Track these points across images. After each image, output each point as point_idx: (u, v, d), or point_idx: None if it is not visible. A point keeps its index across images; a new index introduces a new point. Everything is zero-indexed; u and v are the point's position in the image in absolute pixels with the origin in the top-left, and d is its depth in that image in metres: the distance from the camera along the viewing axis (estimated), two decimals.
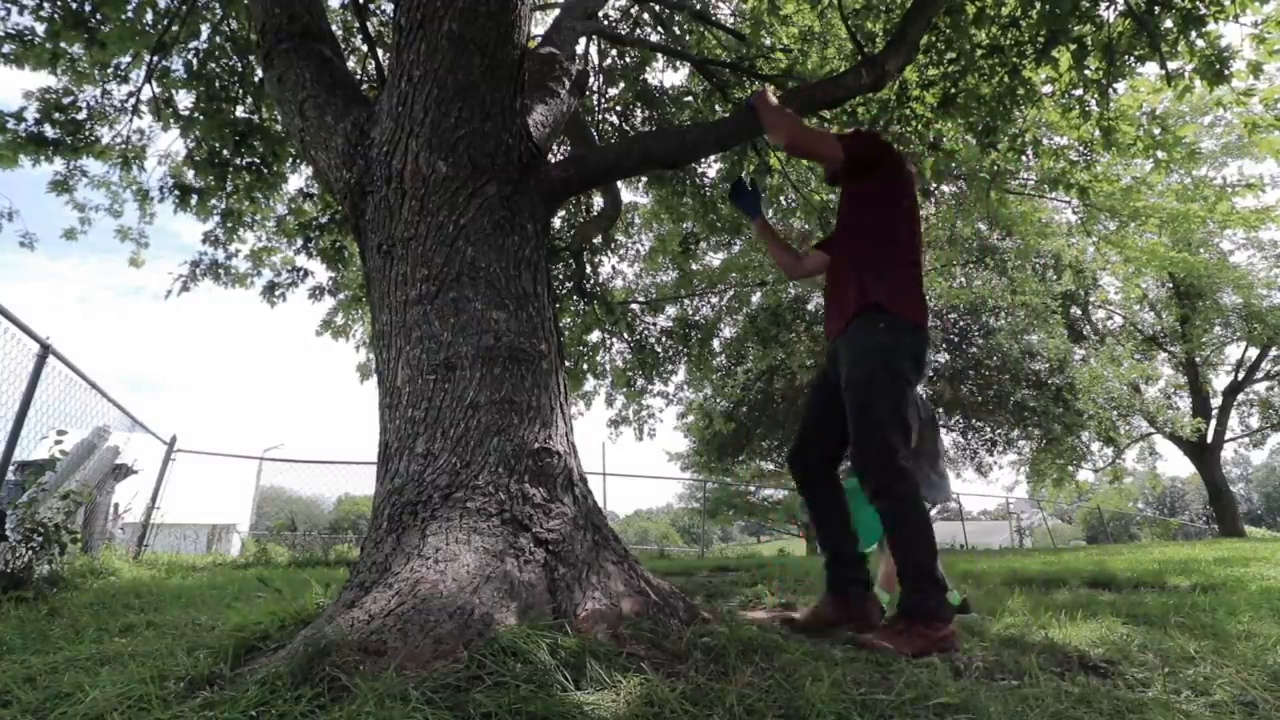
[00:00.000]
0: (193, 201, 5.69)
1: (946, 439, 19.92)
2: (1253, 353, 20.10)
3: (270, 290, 6.93)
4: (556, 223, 7.57)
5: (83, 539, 4.70)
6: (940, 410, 18.13)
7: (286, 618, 2.07)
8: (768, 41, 5.72)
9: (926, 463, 3.04)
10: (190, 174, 5.78)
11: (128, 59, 5.18)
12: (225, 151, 5.45)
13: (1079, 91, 4.47)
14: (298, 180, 6.60)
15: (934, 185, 5.86)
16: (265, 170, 5.61)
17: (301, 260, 6.93)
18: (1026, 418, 15.52)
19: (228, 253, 6.59)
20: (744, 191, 2.88)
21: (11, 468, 4.15)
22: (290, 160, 5.77)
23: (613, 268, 8.87)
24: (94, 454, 5.61)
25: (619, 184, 6.76)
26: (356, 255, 6.62)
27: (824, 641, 2.17)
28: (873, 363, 2.22)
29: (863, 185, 2.50)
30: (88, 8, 4.55)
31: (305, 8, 2.97)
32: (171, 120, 5.36)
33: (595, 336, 9.18)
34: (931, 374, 17.89)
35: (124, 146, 5.72)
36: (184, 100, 5.44)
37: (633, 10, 6.49)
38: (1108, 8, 3.90)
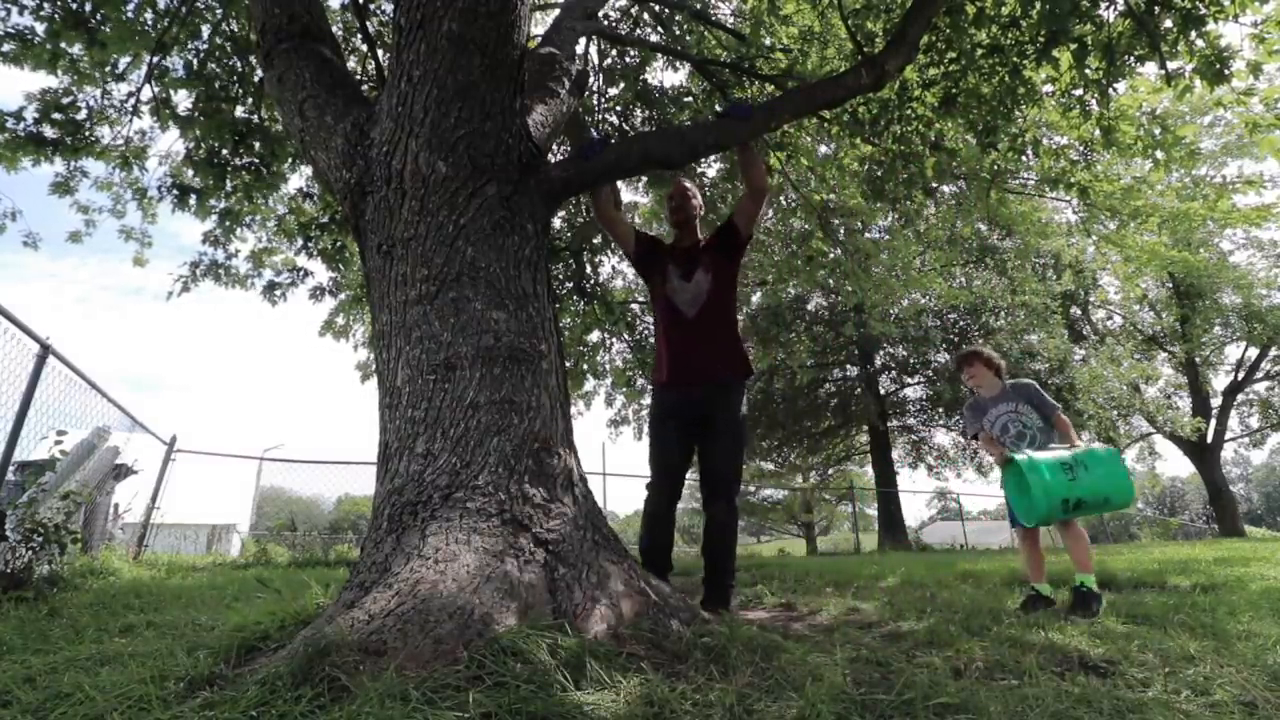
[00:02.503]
0: (191, 201, 5.69)
1: (946, 439, 19.94)
2: (1253, 353, 20.11)
3: (270, 290, 6.92)
4: (556, 223, 7.56)
5: (83, 539, 4.70)
6: (940, 410, 18.15)
7: (286, 618, 2.07)
8: (768, 41, 5.71)
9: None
10: (190, 174, 5.78)
11: (128, 59, 5.18)
12: (225, 151, 5.45)
13: (1079, 91, 4.47)
14: (298, 180, 6.60)
15: (935, 185, 5.84)
16: (265, 170, 5.61)
17: (301, 260, 6.93)
18: None
19: (228, 253, 6.59)
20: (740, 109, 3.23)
21: (11, 468, 4.15)
22: (290, 160, 5.77)
23: (613, 268, 8.87)
24: (94, 454, 5.61)
25: (619, 184, 6.76)
26: (356, 255, 6.62)
27: (824, 641, 2.17)
28: (745, 415, 3.10)
29: (735, 263, 3.17)
30: (88, 7, 4.54)
31: (305, 8, 2.97)
32: (171, 120, 5.36)
33: (595, 336, 9.17)
34: (931, 374, 17.92)
35: (124, 147, 5.72)
36: (184, 100, 5.45)
37: (633, 10, 6.49)
38: (1108, 7, 3.90)
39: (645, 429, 12.19)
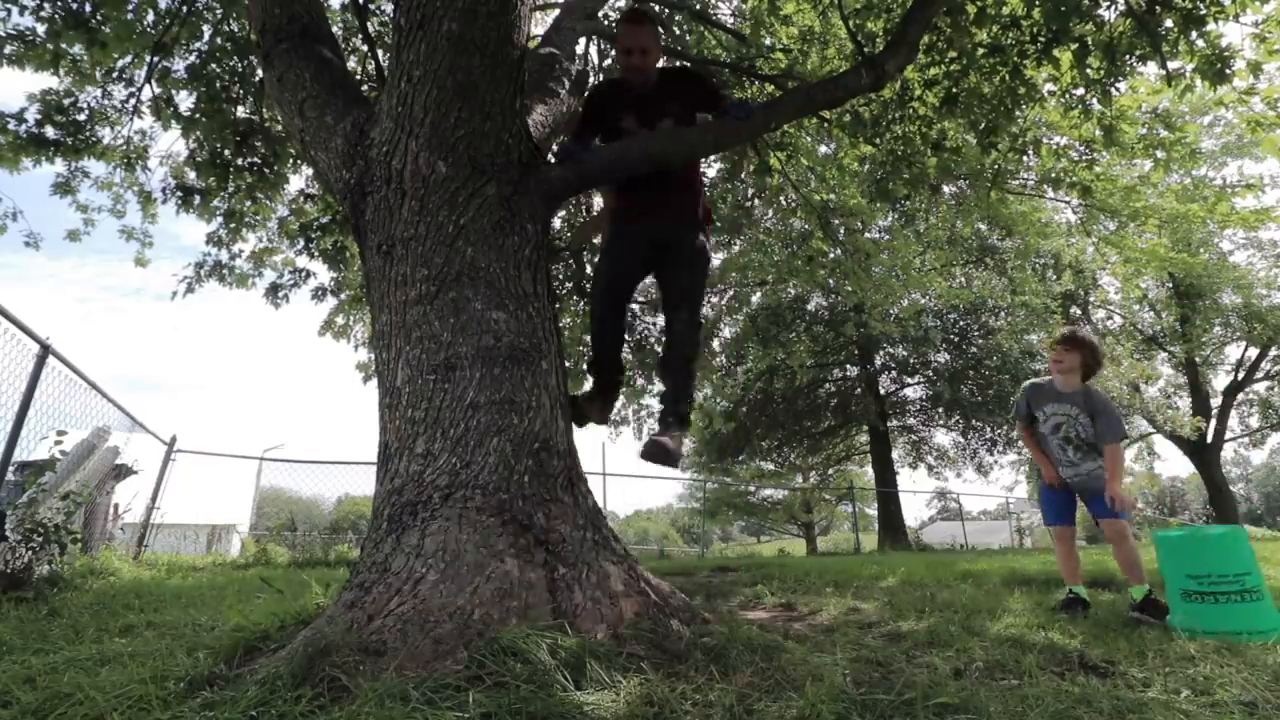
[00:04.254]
0: (195, 202, 5.70)
1: (946, 439, 19.95)
2: (1252, 353, 20.12)
3: (274, 291, 6.93)
4: (556, 223, 7.56)
5: (83, 539, 4.70)
6: (940, 410, 18.16)
7: (286, 618, 2.07)
8: (768, 41, 5.71)
9: None
10: (192, 175, 5.79)
11: (128, 59, 5.18)
12: (227, 152, 5.45)
13: (1080, 91, 4.47)
14: (299, 181, 6.60)
15: (938, 184, 5.83)
16: (267, 171, 5.61)
17: (303, 261, 6.94)
18: None
19: (231, 253, 6.61)
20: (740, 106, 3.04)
21: (11, 468, 4.15)
22: (291, 160, 5.77)
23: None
24: (94, 454, 5.60)
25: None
26: (357, 255, 6.62)
27: (824, 641, 2.17)
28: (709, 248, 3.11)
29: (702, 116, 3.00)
30: (88, 8, 4.55)
31: (305, 8, 2.97)
32: (172, 120, 5.37)
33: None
34: (931, 374, 17.92)
35: (125, 148, 5.72)
36: (185, 101, 5.45)
37: None
38: (1108, 7, 3.90)
39: (645, 429, 12.23)
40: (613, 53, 6.38)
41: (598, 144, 3.03)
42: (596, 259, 3.20)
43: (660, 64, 2.98)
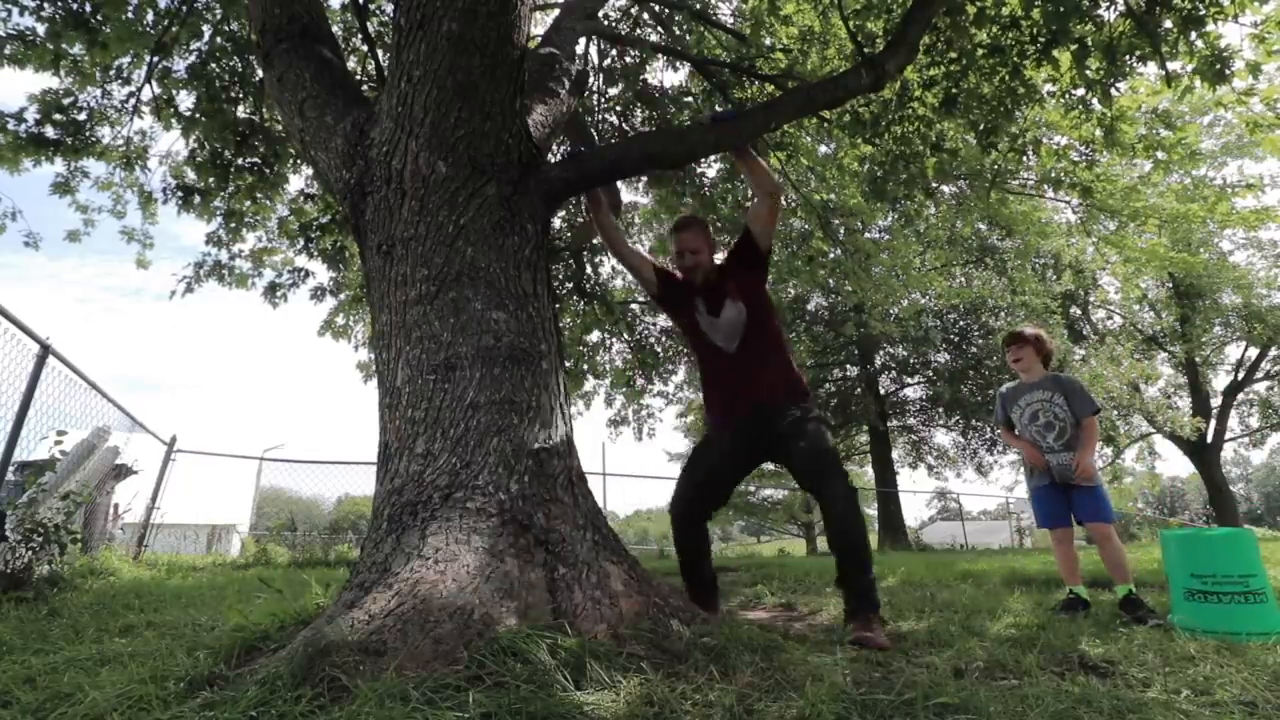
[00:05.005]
0: (195, 202, 5.70)
1: (946, 439, 19.94)
2: (1252, 353, 20.11)
3: (272, 291, 6.93)
4: (556, 223, 7.56)
5: (83, 539, 4.70)
6: (940, 410, 18.15)
7: (286, 618, 2.07)
8: (768, 41, 5.71)
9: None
10: (192, 175, 5.79)
11: (128, 59, 5.18)
12: (227, 152, 5.45)
13: (1080, 91, 4.47)
14: (298, 181, 6.60)
15: (935, 185, 5.84)
16: (267, 170, 5.61)
17: (302, 261, 6.94)
18: None
19: (231, 253, 6.61)
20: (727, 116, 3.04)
21: (11, 468, 4.15)
22: (291, 160, 5.77)
23: (613, 268, 8.85)
24: (94, 454, 5.60)
25: (619, 184, 6.75)
26: (356, 255, 6.62)
27: (824, 641, 2.17)
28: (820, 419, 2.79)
29: (762, 280, 2.93)
30: (88, 8, 4.55)
31: (305, 8, 2.97)
32: (173, 120, 5.37)
33: (595, 336, 9.17)
34: (931, 374, 17.92)
35: (125, 147, 5.72)
36: (185, 101, 5.45)
37: (633, 10, 6.49)
38: (1108, 8, 3.90)
39: (645, 429, 12.20)
40: (613, 53, 6.39)
41: (599, 144, 3.06)
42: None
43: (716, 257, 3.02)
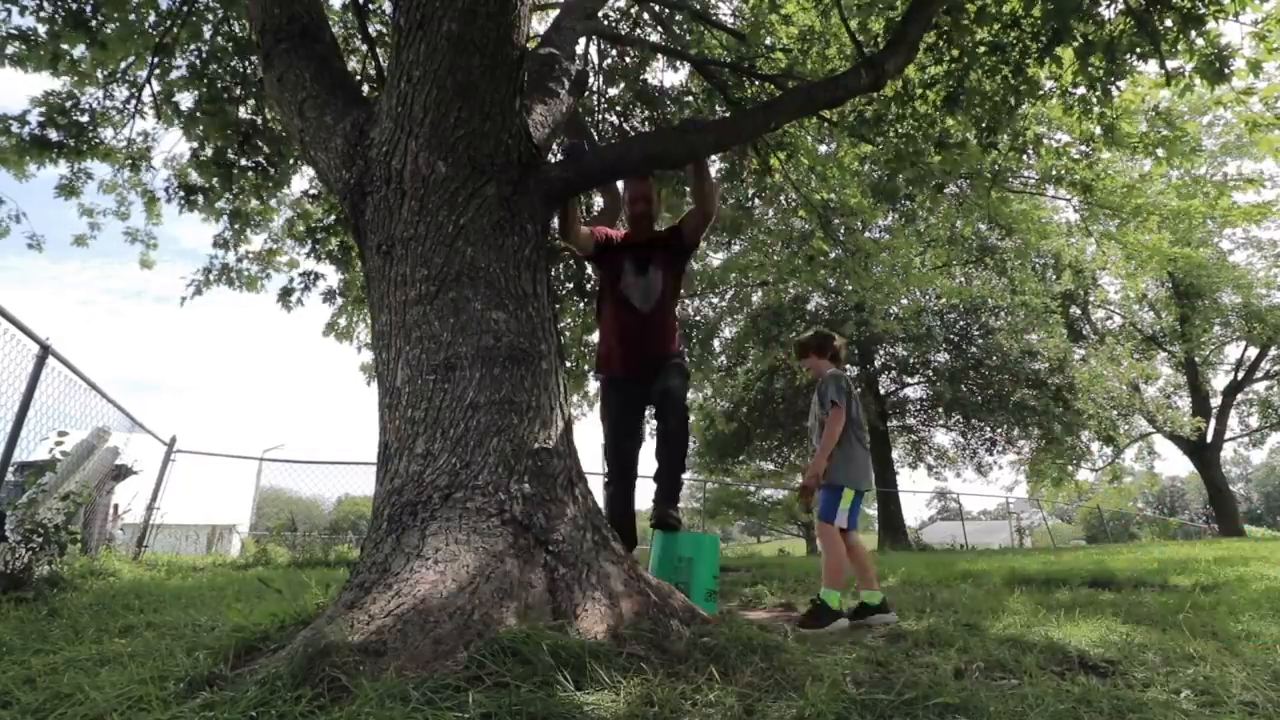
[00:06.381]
0: (199, 202, 5.70)
1: (946, 439, 19.93)
2: (1252, 352, 20.09)
3: (285, 296, 6.93)
4: (556, 223, 7.55)
5: (82, 540, 4.70)
6: (940, 410, 18.14)
7: (286, 618, 2.07)
8: (768, 41, 5.71)
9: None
10: (195, 175, 5.79)
11: (130, 60, 5.18)
12: (230, 153, 5.46)
13: (1081, 90, 4.47)
14: (301, 183, 6.62)
15: (942, 182, 5.82)
16: (271, 170, 5.62)
17: (310, 263, 6.96)
18: (1026, 417, 15.50)
19: (238, 255, 6.63)
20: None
21: (11, 468, 4.15)
22: (294, 161, 5.78)
23: None
24: (93, 455, 5.60)
25: (619, 184, 6.74)
26: (358, 256, 6.61)
27: (824, 641, 2.17)
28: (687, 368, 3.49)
29: (682, 268, 3.44)
30: (89, 9, 4.55)
31: (305, 8, 2.97)
32: (175, 119, 5.37)
33: (595, 337, 9.17)
34: (931, 374, 17.91)
35: (128, 148, 5.73)
36: (187, 101, 5.46)
37: (633, 10, 6.49)
38: (1108, 6, 3.90)
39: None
40: (613, 53, 6.39)
41: (599, 144, 3.08)
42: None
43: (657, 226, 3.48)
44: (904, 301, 12.02)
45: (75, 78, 5.10)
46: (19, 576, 3.47)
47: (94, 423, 5.65)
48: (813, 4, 5.50)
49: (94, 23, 4.56)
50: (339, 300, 7.55)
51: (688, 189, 6.08)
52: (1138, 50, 3.90)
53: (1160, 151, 4.80)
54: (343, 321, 8.41)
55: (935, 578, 4.65)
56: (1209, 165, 14.46)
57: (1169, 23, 3.78)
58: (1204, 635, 2.27)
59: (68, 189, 5.66)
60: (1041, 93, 4.54)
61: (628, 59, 6.42)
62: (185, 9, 4.85)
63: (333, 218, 6.56)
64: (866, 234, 9.44)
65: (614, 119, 6.64)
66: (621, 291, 3.29)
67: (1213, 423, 19.30)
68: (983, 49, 4.31)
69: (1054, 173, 5.64)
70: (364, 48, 5.80)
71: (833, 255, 8.61)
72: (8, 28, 4.59)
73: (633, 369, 3.26)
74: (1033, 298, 13.65)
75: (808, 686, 1.50)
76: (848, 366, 19.06)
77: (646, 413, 3.49)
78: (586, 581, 1.96)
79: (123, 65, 5.22)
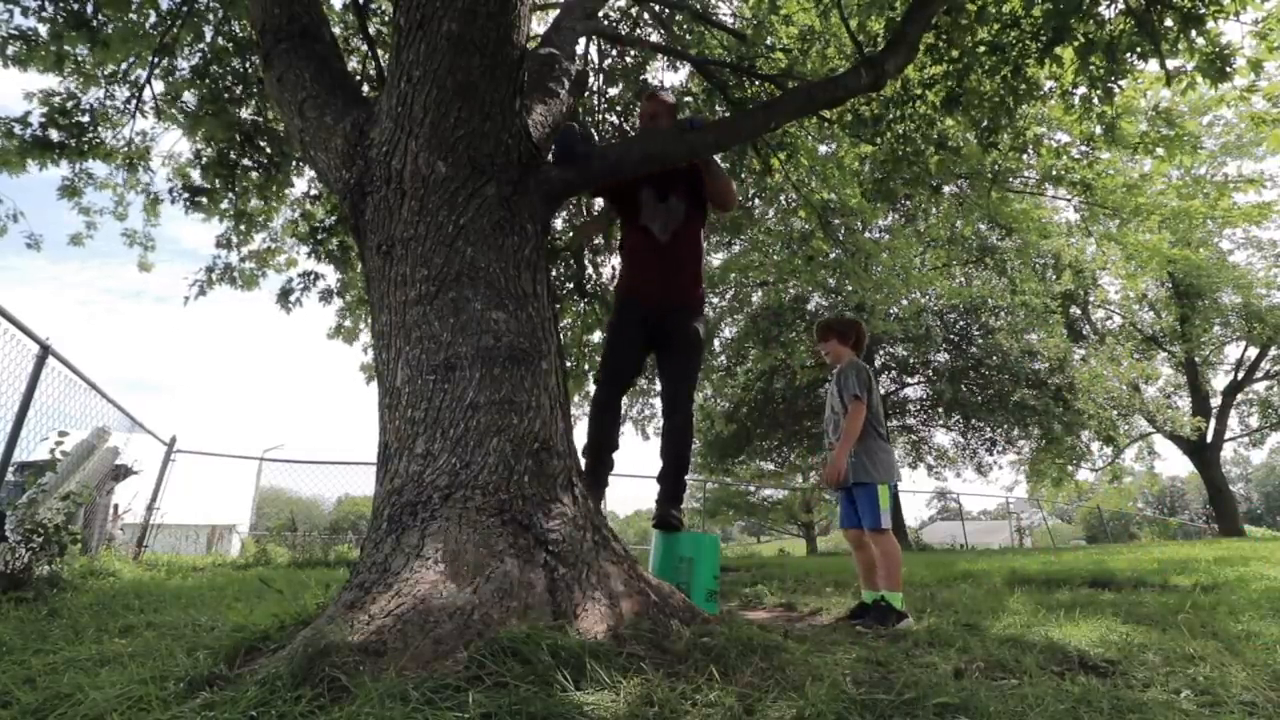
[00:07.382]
0: (202, 203, 5.70)
1: (946, 439, 19.92)
2: (1252, 352, 20.09)
3: (285, 296, 6.92)
4: (557, 223, 7.55)
5: (82, 540, 4.70)
6: (940, 410, 18.13)
7: (286, 618, 2.07)
8: (768, 41, 5.71)
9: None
10: (197, 176, 5.79)
11: (131, 60, 5.18)
12: (232, 153, 5.46)
13: (1081, 90, 4.47)
14: (303, 183, 6.62)
15: (939, 183, 5.82)
16: (273, 170, 5.62)
17: (309, 263, 6.95)
18: (1026, 417, 15.50)
19: (241, 255, 6.62)
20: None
21: (11, 468, 4.15)
22: (295, 161, 5.78)
23: (613, 268, 8.84)
24: (94, 455, 5.60)
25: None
26: (358, 256, 6.61)
27: (824, 641, 2.17)
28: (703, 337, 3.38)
29: (704, 211, 3.36)
30: (90, 9, 4.55)
31: (305, 8, 2.96)
32: (176, 119, 5.38)
33: (595, 336, 9.17)
34: (931, 374, 17.91)
35: (128, 148, 5.73)
36: (188, 101, 5.45)
37: (633, 10, 6.49)
38: (1108, 6, 3.90)
39: (647, 429, 12.22)
40: (613, 52, 6.38)
41: (599, 144, 3.07)
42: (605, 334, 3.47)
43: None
44: (904, 302, 12.00)
45: (79, 79, 5.11)
46: (19, 576, 3.48)
47: (94, 423, 5.65)
48: (813, 4, 5.50)
49: (95, 23, 4.56)
50: (337, 301, 7.54)
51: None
52: (1138, 50, 3.89)
53: (1160, 151, 4.79)
54: (348, 323, 8.41)
55: (935, 578, 4.65)
56: (1209, 166, 14.46)
57: (1169, 22, 3.78)
58: (1204, 635, 2.27)
59: (70, 190, 5.66)
60: (1041, 93, 4.54)
61: (628, 59, 6.42)
62: (186, 9, 4.85)
63: (334, 218, 6.56)
64: (866, 234, 9.44)
65: (614, 119, 6.64)
66: (641, 222, 3.24)
67: (1213, 423, 19.30)
68: (982, 49, 4.30)
69: (1054, 173, 5.64)
70: (364, 48, 5.80)
71: (832, 255, 8.61)
72: (9, 28, 4.60)
73: (649, 298, 3.19)
74: (1033, 298, 13.64)
75: (808, 686, 1.50)
76: None
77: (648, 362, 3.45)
78: (586, 581, 1.96)
79: (123, 65, 5.23)
